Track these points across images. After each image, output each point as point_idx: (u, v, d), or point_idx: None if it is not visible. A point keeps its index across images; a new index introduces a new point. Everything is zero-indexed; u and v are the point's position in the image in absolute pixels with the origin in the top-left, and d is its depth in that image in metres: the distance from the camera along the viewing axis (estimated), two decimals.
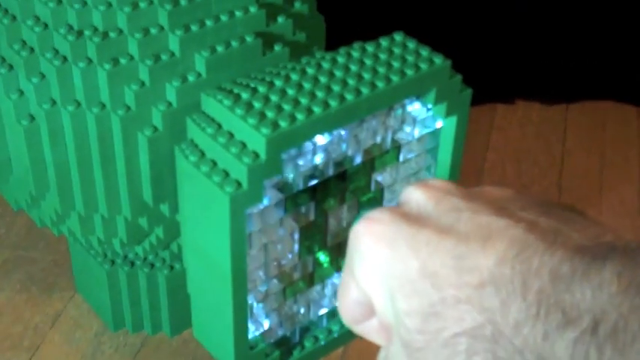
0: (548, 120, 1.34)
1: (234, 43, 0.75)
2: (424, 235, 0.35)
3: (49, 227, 0.86)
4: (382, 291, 0.36)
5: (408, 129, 0.74)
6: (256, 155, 0.62)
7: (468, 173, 1.22)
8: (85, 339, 0.96)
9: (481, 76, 1.33)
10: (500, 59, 1.35)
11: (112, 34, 0.73)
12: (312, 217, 0.71)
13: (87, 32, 0.73)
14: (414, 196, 0.38)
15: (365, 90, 0.67)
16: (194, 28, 0.74)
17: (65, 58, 0.73)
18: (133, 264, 0.91)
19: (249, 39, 0.75)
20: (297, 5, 0.83)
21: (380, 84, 0.68)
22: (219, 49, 0.74)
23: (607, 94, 1.38)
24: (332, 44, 0.80)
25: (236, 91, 0.66)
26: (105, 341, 0.96)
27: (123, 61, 0.73)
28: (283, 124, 0.63)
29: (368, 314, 0.39)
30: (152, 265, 0.91)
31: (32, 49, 0.74)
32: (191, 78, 0.73)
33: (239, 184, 0.62)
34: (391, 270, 0.35)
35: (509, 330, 0.32)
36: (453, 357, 0.34)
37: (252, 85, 0.67)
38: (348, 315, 0.40)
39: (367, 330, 0.41)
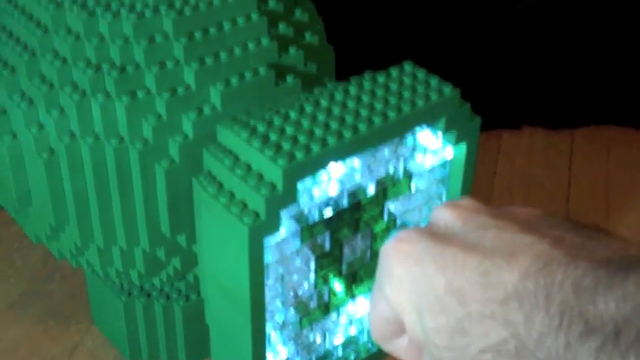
0: (553, 145, 1.36)
1: (247, 75, 0.77)
2: (450, 252, 0.36)
3: (68, 259, 0.87)
4: (411, 309, 0.37)
5: (419, 158, 0.76)
6: (273, 186, 0.64)
7: (476, 199, 1.24)
8: None
9: (487, 102, 1.34)
10: (506, 86, 1.36)
11: (129, 68, 0.74)
12: (327, 247, 0.72)
13: (105, 66, 0.74)
14: (442, 216, 0.39)
15: (377, 120, 0.68)
16: (209, 61, 0.75)
17: (84, 92, 0.74)
18: (149, 295, 0.92)
19: (262, 71, 0.77)
20: (308, 36, 0.85)
21: (392, 114, 0.69)
22: (234, 81, 0.76)
23: (611, 119, 1.39)
24: (341, 74, 0.82)
25: (252, 123, 0.68)
26: None
27: (140, 94, 0.74)
28: (299, 155, 0.64)
29: (397, 332, 0.40)
30: (168, 297, 0.92)
31: (52, 84, 0.76)
32: (207, 110, 0.75)
33: (257, 214, 0.63)
34: (419, 288, 0.36)
35: (532, 343, 0.32)
36: None
37: (268, 117, 0.69)
38: (378, 333, 0.41)
39: (396, 348, 0.42)
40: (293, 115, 0.69)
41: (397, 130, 0.70)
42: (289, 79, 0.79)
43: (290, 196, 0.65)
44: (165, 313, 0.92)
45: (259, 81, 0.77)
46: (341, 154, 0.67)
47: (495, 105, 1.36)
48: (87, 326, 1.02)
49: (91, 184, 0.77)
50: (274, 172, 0.64)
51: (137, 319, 0.94)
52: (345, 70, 0.83)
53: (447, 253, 0.36)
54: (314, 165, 0.65)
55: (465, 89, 0.75)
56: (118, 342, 0.98)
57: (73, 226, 0.80)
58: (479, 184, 1.27)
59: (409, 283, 0.37)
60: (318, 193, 0.69)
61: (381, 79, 0.74)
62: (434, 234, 0.38)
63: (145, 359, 0.97)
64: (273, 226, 0.64)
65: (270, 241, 0.67)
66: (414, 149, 0.75)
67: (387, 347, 0.42)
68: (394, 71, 0.75)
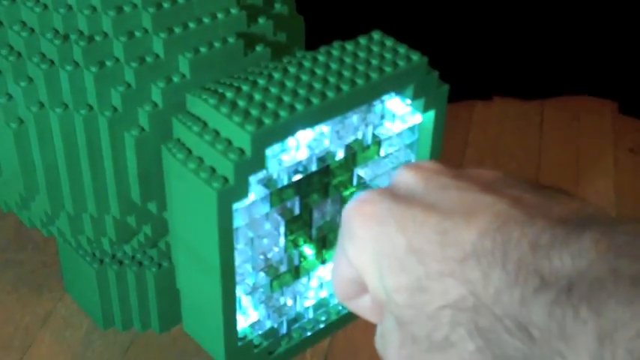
0: (524, 115, 1.37)
1: (216, 44, 0.77)
2: (411, 212, 0.36)
3: (39, 228, 0.87)
4: (372, 269, 0.37)
5: (387, 124, 0.76)
6: (242, 152, 0.64)
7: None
8: (75, 338, 0.98)
9: (459, 73, 1.35)
10: (478, 57, 1.37)
11: (97, 38, 0.74)
12: (296, 211, 0.73)
13: (73, 36, 0.74)
14: (404, 177, 0.39)
15: (345, 87, 0.69)
16: (177, 30, 0.75)
17: (52, 62, 0.74)
18: (121, 263, 0.93)
19: (231, 40, 0.77)
20: (277, 6, 0.85)
21: (360, 81, 0.70)
22: (203, 50, 0.76)
23: (582, 90, 1.41)
24: (311, 44, 0.82)
25: (220, 90, 0.68)
26: (95, 339, 0.98)
27: (109, 63, 0.74)
28: (267, 121, 0.65)
29: (360, 291, 0.41)
30: (140, 264, 0.93)
31: (19, 54, 0.76)
32: (176, 79, 0.75)
33: (226, 180, 0.64)
34: (380, 248, 0.37)
35: (489, 299, 0.33)
36: (438, 328, 0.35)
37: (236, 84, 0.69)
38: (341, 292, 0.42)
39: (360, 307, 0.42)
40: (261, 82, 0.69)
41: (365, 97, 0.71)
42: (259, 48, 0.79)
43: (258, 161, 0.65)
44: (138, 280, 0.93)
45: (228, 50, 0.77)
46: (309, 121, 0.68)
47: (467, 76, 1.37)
48: (60, 294, 1.03)
49: (61, 153, 0.77)
50: (243, 138, 0.64)
51: (110, 287, 0.94)
52: (315, 41, 0.84)
53: (407, 213, 0.36)
54: (282, 131, 0.66)
55: (436, 60, 0.76)
56: (91, 310, 0.98)
57: (43, 194, 0.80)
58: (451, 153, 1.28)
59: (370, 244, 0.37)
60: (287, 159, 0.70)
61: (349, 47, 0.74)
62: (395, 195, 0.38)
63: (118, 327, 0.98)
64: (241, 191, 0.65)
65: (239, 204, 0.67)
66: (382, 116, 0.76)
67: (350, 306, 0.43)
68: (363, 40, 0.75)
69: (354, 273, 0.39)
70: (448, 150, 1.29)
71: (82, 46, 0.74)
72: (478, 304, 0.33)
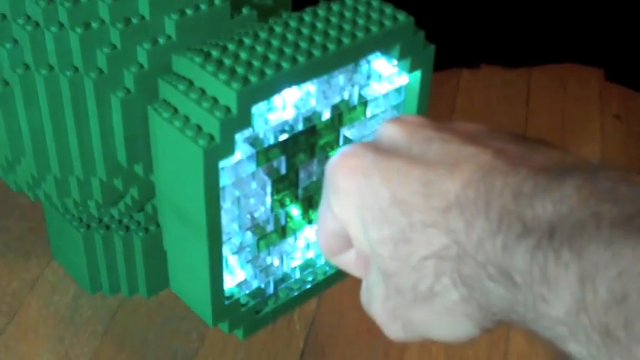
0: (511, 83, 1.37)
1: (203, 6, 0.77)
2: (395, 164, 0.36)
3: (25, 192, 0.87)
4: (357, 222, 0.37)
5: (374, 85, 0.77)
6: (228, 109, 0.64)
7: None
8: (63, 303, 0.98)
9: (446, 41, 1.35)
10: (465, 25, 1.37)
11: None
12: (283, 170, 0.73)
13: None
14: (388, 131, 0.39)
15: (331, 46, 0.69)
16: None
17: (37, 24, 0.74)
18: (108, 227, 0.93)
19: (217, 2, 0.77)
20: None
21: (345, 40, 0.70)
22: (189, 12, 0.76)
23: (568, 57, 1.41)
24: (297, 8, 0.82)
25: (206, 49, 0.68)
26: (82, 304, 0.98)
27: (94, 25, 0.74)
28: (253, 79, 0.65)
29: (345, 246, 0.41)
30: (127, 228, 0.93)
31: (4, 16, 0.75)
32: (161, 40, 0.75)
33: (212, 137, 0.64)
34: (364, 201, 0.37)
35: (472, 248, 0.33)
36: (422, 279, 0.35)
37: (222, 43, 0.69)
38: (326, 247, 0.42)
39: (344, 261, 0.42)
40: (247, 41, 0.69)
41: (351, 55, 0.71)
42: (245, 10, 0.79)
43: (244, 119, 0.65)
44: (125, 244, 0.93)
45: (214, 12, 0.77)
46: (295, 79, 0.68)
47: (454, 44, 1.37)
48: (47, 260, 1.03)
49: (47, 116, 0.77)
50: (229, 96, 0.64)
51: (97, 252, 0.94)
52: (301, 4, 0.83)
53: (391, 165, 0.36)
54: (268, 89, 0.66)
55: (423, 28, 0.76)
56: (79, 275, 0.98)
57: (29, 157, 0.80)
58: (437, 119, 1.28)
59: (354, 197, 0.37)
60: (273, 118, 0.70)
61: (335, 7, 0.74)
62: (379, 148, 0.38)
63: (106, 291, 0.98)
64: (227, 148, 0.65)
65: (226, 163, 0.67)
66: (369, 77, 0.76)
67: (335, 261, 0.43)
68: (349, 0, 0.75)
69: (338, 227, 0.39)
70: (434, 116, 1.28)
71: (67, 8, 0.73)
72: (461, 253, 0.33)
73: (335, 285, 0.95)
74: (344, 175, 0.38)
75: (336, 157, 0.39)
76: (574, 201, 0.31)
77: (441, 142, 0.37)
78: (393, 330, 0.39)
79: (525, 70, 1.40)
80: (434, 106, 1.30)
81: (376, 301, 0.39)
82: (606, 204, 0.30)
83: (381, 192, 0.36)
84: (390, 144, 0.38)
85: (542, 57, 1.41)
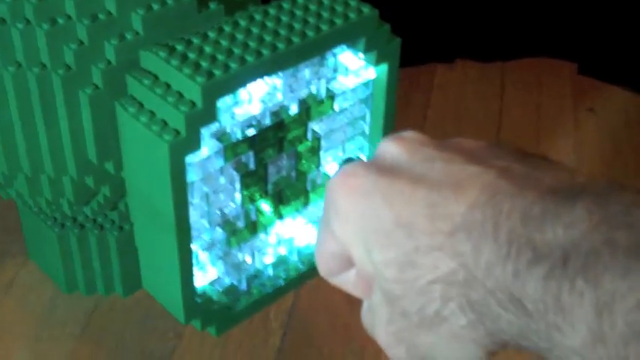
0: (486, 78, 1.38)
1: (169, 2, 0.77)
2: (398, 186, 0.35)
3: None
4: (359, 243, 0.37)
5: (341, 79, 0.77)
6: (193, 104, 0.64)
7: (409, 129, 1.26)
8: (39, 303, 0.98)
9: (420, 37, 1.36)
10: (439, 20, 1.38)
11: None
12: (251, 166, 0.73)
13: None
14: (388, 149, 0.38)
15: (296, 39, 0.69)
16: None
17: (3, 20, 0.74)
18: (83, 226, 0.93)
19: None
20: None
21: (310, 33, 0.70)
22: (155, 7, 0.76)
23: (541, 51, 1.42)
24: (268, 2, 0.82)
25: (171, 44, 0.68)
26: (59, 304, 0.98)
27: (61, 20, 0.74)
28: (217, 72, 0.65)
29: (344, 266, 0.40)
30: (102, 227, 0.93)
31: None
32: (129, 36, 0.75)
33: (177, 132, 0.64)
34: (367, 222, 0.36)
35: (481, 273, 0.32)
36: (428, 303, 0.34)
37: (187, 37, 0.69)
38: (325, 267, 0.41)
39: (344, 282, 0.41)
40: (212, 35, 0.70)
41: (316, 49, 0.71)
42: (212, 5, 0.79)
43: (210, 113, 0.65)
44: (100, 244, 0.93)
45: (181, 7, 0.77)
46: (260, 72, 0.68)
47: (428, 39, 1.38)
48: (23, 261, 1.02)
49: (15, 113, 0.77)
50: (193, 90, 0.64)
51: (72, 251, 0.94)
52: None
53: (394, 186, 0.36)
54: (233, 82, 0.66)
55: (397, 23, 0.76)
56: (55, 275, 0.98)
57: None
58: (412, 115, 1.29)
59: (356, 218, 0.37)
60: (240, 112, 0.70)
61: (300, 0, 0.74)
62: (380, 167, 0.37)
63: (82, 291, 0.98)
64: (193, 143, 0.65)
65: (193, 158, 0.68)
66: (335, 70, 0.76)
67: (333, 281, 0.42)
68: None
69: (338, 247, 0.39)
70: (409, 112, 1.30)
71: (33, 4, 0.73)
72: (469, 278, 0.33)
73: (310, 281, 0.95)
74: (345, 196, 0.37)
75: (336, 177, 0.38)
76: (585, 226, 0.30)
77: (442, 162, 0.36)
78: (396, 353, 0.38)
79: (500, 65, 1.41)
80: (408, 102, 1.31)
81: (379, 324, 0.38)
82: (620, 230, 0.29)
83: (384, 213, 0.35)
84: (391, 163, 0.37)
85: (516, 51, 1.42)
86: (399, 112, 1.27)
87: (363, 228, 0.36)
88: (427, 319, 0.35)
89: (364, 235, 0.36)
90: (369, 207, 0.36)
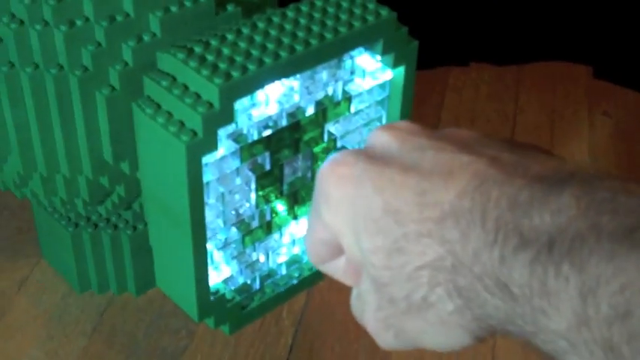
0: (501, 80, 1.38)
1: (187, 3, 0.77)
2: (388, 174, 0.36)
3: (12, 191, 0.87)
4: (348, 230, 0.37)
5: (358, 81, 0.77)
6: (210, 105, 0.65)
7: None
8: (52, 302, 0.98)
9: (436, 39, 1.36)
10: (455, 23, 1.38)
11: None
12: (267, 166, 0.73)
13: None
14: (379, 138, 0.38)
15: (314, 41, 0.69)
16: None
17: (22, 22, 0.74)
18: (96, 226, 0.93)
19: None
20: None
21: (328, 35, 0.70)
22: (173, 9, 0.76)
23: (557, 55, 1.41)
24: (285, 4, 0.82)
25: (189, 45, 0.69)
26: (71, 303, 0.98)
27: (79, 22, 0.74)
28: (235, 74, 0.65)
29: (334, 254, 0.40)
30: (115, 227, 0.93)
31: None
32: (146, 38, 0.75)
33: (194, 133, 0.64)
34: (356, 209, 0.36)
35: (468, 259, 0.32)
36: (416, 289, 0.35)
37: (205, 39, 0.69)
38: (315, 254, 0.41)
39: (333, 269, 0.41)
40: (230, 37, 0.70)
41: (334, 51, 0.71)
42: (230, 7, 0.79)
43: (227, 114, 0.66)
44: (113, 243, 0.93)
45: (199, 9, 0.77)
46: (277, 74, 0.68)
47: (443, 42, 1.38)
48: (36, 260, 1.03)
49: (32, 114, 0.77)
50: (211, 91, 0.65)
51: (85, 251, 0.94)
52: (289, 0, 0.84)
53: (384, 174, 0.36)
54: (250, 84, 0.66)
55: (413, 26, 0.76)
56: (67, 274, 0.99)
57: (15, 155, 0.80)
58: (425, 116, 1.29)
59: (346, 205, 0.37)
60: (257, 113, 0.70)
61: (318, 3, 0.74)
62: (371, 156, 0.37)
63: (95, 290, 0.98)
64: (210, 144, 0.65)
65: (209, 159, 0.68)
66: (352, 72, 0.76)
67: (323, 269, 0.42)
68: None
69: (328, 235, 0.39)
70: (423, 113, 1.30)
71: (51, 5, 0.73)
72: (457, 264, 0.33)
73: (323, 281, 0.96)
74: (335, 184, 0.37)
75: (326, 165, 0.38)
76: (572, 212, 0.30)
77: (434, 151, 0.36)
78: (385, 339, 0.39)
79: (515, 68, 1.40)
80: (422, 103, 1.31)
81: (368, 310, 0.38)
82: (605, 215, 0.30)
83: (373, 201, 0.35)
84: (381, 152, 0.38)
85: (531, 55, 1.41)
86: (413, 113, 1.27)
87: (352, 215, 0.36)
88: (414, 305, 0.35)
89: (354, 223, 0.36)
90: (359, 195, 0.36)
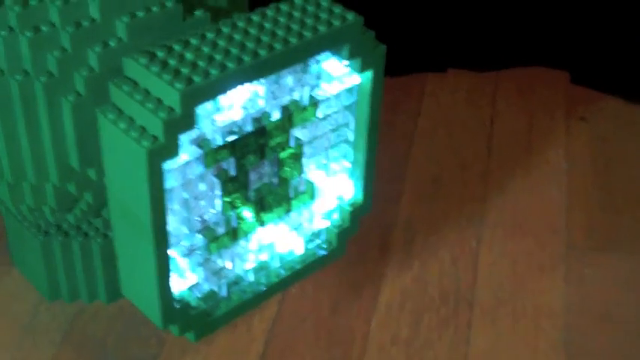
0: (478, 86, 1.38)
1: (154, 9, 0.76)
2: None
3: None
4: None
5: (325, 86, 0.76)
6: (172, 110, 0.64)
7: (398, 137, 1.25)
8: (22, 310, 0.97)
9: (412, 46, 1.36)
10: (432, 30, 1.38)
11: (32, 2, 0.74)
12: (232, 172, 0.73)
13: (7, 1, 0.74)
14: None
15: (278, 46, 0.69)
16: None
17: None
18: (66, 234, 0.92)
19: (169, 4, 0.77)
20: None
21: (293, 40, 0.70)
22: (140, 14, 0.76)
23: (534, 61, 1.41)
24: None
25: (152, 50, 0.68)
26: (42, 311, 0.97)
27: (44, 28, 0.74)
28: (197, 79, 0.65)
29: None
30: (85, 235, 0.92)
31: None
32: (112, 43, 0.75)
33: (156, 138, 0.64)
34: None
35: None
36: None
37: (169, 44, 0.69)
38: None
39: None
40: (194, 42, 0.69)
41: (299, 55, 0.71)
42: (198, 12, 0.79)
43: (189, 119, 0.65)
44: (83, 251, 0.92)
45: (166, 14, 0.77)
46: (240, 79, 0.68)
47: (420, 48, 1.37)
48: (7, 268, 1.02)
49: None
50: (172, 96, 0.64)
51: (55, 259, 0.94)
52: (258, 5, 0.83)
53: None
54: (213, 89, 0.66)
55: (389, 34, 0.76)
56: (38, 282, 0.98)
57: None
58: (402, 122, 1.28)
59: None
60: (221, 119, 0.70)
61: (284, 7, 0.74)
62: None
63: (65, 298, 0.97)
64: (171, 149, 0.65)
65: (173, 164, 0.67)
66: (319, 77, 0.76)
67: None
68: (298, 0, 0.75)
69: None
70: (400, 120, 1.30)
71: (16, 11, 0.73)
72: None
73: (294, 288, 0.95)
74: None
75: None
76: None
77: None
78: None
79: (493, 74, 1.40)
80: (399, 110, 1.30)
81: None
82: None
83: None
84: None
85: (508, 61, 1.41)
86: (388, 119, 1.27)
87: None
88: None
89: None
90: None
